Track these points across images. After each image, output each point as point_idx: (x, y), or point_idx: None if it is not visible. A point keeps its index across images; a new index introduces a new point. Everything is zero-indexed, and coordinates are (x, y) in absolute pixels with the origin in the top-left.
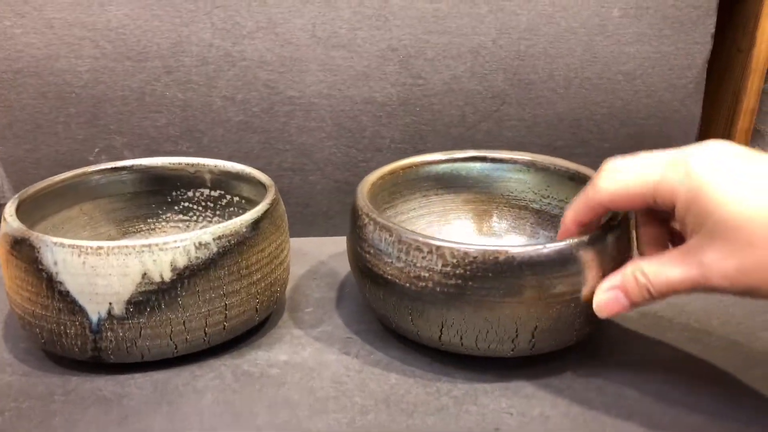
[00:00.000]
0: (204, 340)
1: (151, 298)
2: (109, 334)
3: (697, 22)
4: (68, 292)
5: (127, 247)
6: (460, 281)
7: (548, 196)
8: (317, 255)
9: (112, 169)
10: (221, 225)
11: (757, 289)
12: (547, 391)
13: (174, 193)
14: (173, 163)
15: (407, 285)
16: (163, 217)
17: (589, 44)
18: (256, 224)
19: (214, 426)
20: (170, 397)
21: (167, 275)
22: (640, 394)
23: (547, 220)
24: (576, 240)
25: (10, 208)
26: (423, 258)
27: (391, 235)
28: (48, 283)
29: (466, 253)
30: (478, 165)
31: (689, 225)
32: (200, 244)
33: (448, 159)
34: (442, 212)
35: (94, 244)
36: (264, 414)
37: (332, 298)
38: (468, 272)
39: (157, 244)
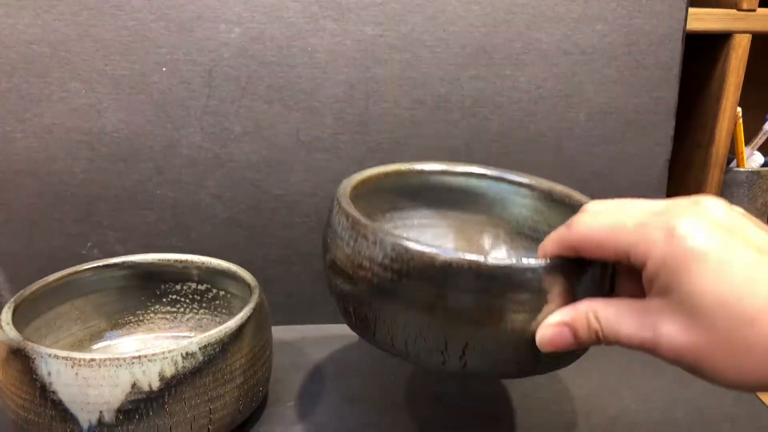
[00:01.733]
0: None
1: (139, 406)
2: None
3: (658, 126)
4: (61, 401)
5: (117, 359)
6: (395, 277)
7: (530, 218)
8: (299, 344)
9: (103, 266)
10: (207, 335)
11: (701, 371)
12: None
13: (162, 287)
14: (162, 260)
15: (351, 272)
16: (152, 309)
17: (557, 146)
18: (240, 330)
19: None
20: None
21: (155, 385)
22: None
23: (529, 242)
24: (529, 262)
25: (6, 315)
26: (367, 247)
27: (347, 220)
28: (41, 393)
29: (406, 250)
30: (474, 181)
31: (655, 286)
32: (187, 354)
33: (446, 171)
34: (421, 226)
35: (87, 355)
36: None
37: (313, 391)
38: (404, 269)
39: (146, 356)
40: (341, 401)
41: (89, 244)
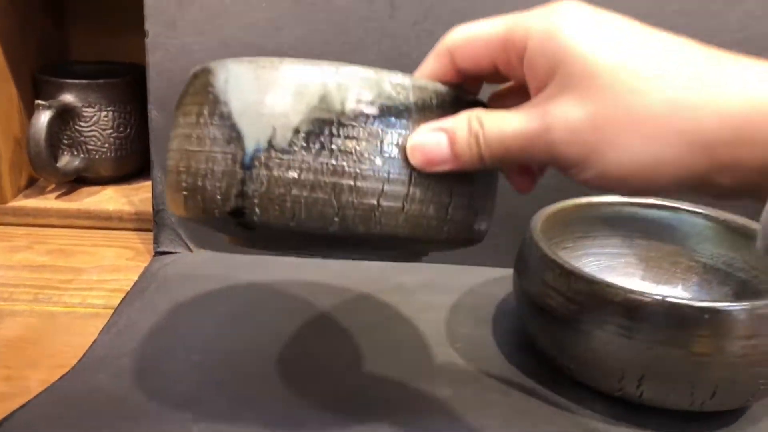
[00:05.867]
0: (376, 216)
1: (324, 130)
2: (262, 171)
3: None
4: (230, 113)
5: (311, 62)
6: (577, 307)
7: (724, 254)
8: None
9: None
10: (418, 78)
11: (597, 156)
12: None
13: None
14: None
15: (538, 300)
16: None
17: None
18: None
19: None
20: None
21: (350, 106)
22: None
23: (721, 276)
24: (705, 304)
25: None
26: (553, 278)
27: (538, 251)
28: (211, 107)
29: (589, 284)
30: (654, 211)
31: (541, 70)
32: (395, 84)
33: (622, 202)
34: (611, 255)
35: (277, 59)
36: None
37: None
38: (587, 301)
39: (345, 67)
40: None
41: None
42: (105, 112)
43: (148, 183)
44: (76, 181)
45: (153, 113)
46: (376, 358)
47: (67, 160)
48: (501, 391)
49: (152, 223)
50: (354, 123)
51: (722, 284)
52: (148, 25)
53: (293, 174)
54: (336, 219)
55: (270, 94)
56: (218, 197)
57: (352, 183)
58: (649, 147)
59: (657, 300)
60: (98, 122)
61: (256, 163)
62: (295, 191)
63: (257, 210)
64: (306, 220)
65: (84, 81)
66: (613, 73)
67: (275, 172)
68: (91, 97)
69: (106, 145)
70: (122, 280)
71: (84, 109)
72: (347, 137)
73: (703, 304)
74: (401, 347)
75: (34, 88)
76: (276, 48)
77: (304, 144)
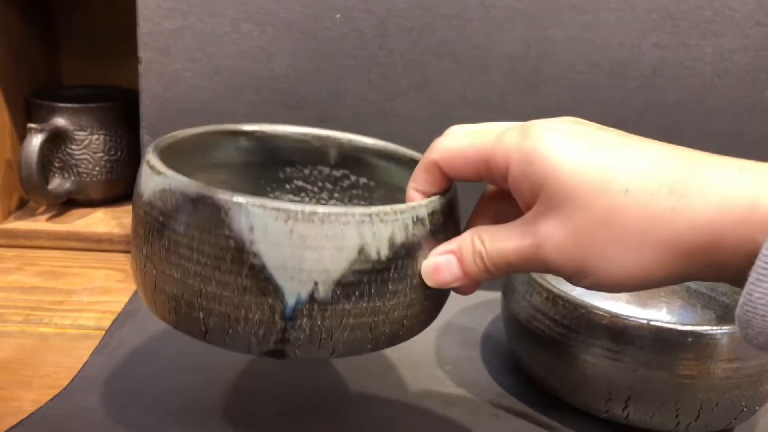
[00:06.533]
0: (399, 334)
1: (363, 279)
2: (305, 321)
3: None
4: (264, 266)
5: (346, 214)
6: (563, 330)
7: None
8: None
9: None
10: (430, 200)
11: (589, 268)
12: None
13: (288, 170)
14: (297, 134)
15: (526, 323)
16: (272, 196)
17: (737, 124)
18: (451, 204)
19: None
20: None
21: (384, 252)
22: None
23: (705, 300)
24: (688, 328)
25: (153, 159)
26: (540, 302)
27: (525, 275)
28: (236, 255)
29: (575, 308)
30: None
31: (526, 192)
32: (417, 218)
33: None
34: None
35: (306, 207)
36: None
37: None
38: (573, 324)
39: (377, 214)
40: None
41: None
42: (96, 136)
43: None
44: (67, 203)
45: (145, 138)
46: (365, 380)
47: (58, 183)
48: (490, 413)
49: None
50: (388, 267)
51: (706, 308)
52: (142, 52)
53: (335, 321)
54: (369, 346)
55: (309, 250)
56: (254, 340)
57: (385, 318)
58: (633, 257)
59: (642, 323)
60: (89, 145)
61: (298, 314)
62: (336, 334)
63: (297, 351)
64: (344, 353)
65: (76, 105)
66: (590, 193)
67: (318, 322)
68: (83, 121)
69: (97, 168)
70: (113, 302)
71: (76, 133)
72: (383, 281)
73: (687, 328)
74: (391, 368)
75: (27, 112)
76: (268, 75)
77: (346, 294)
